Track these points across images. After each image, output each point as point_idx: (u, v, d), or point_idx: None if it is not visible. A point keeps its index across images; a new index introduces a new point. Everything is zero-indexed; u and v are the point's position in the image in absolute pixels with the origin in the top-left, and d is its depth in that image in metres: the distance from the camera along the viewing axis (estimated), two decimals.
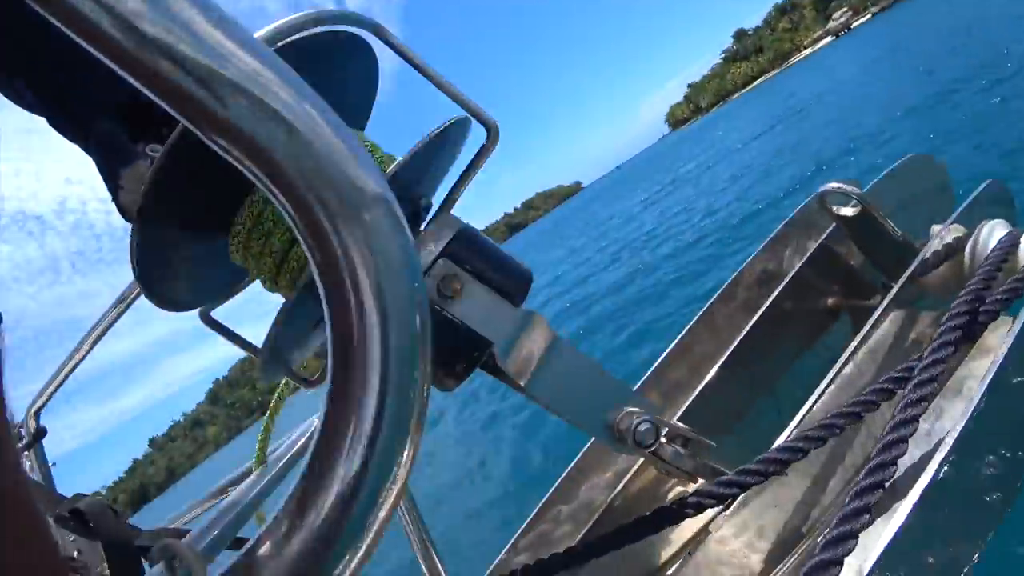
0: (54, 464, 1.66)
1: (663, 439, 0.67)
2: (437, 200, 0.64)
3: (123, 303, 1.36)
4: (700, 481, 0.80)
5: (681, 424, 0.68)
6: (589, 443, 1.13)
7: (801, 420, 0.75)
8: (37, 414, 1.64)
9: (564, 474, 1.15)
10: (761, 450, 0.78)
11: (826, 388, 0.78)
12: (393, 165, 0.51)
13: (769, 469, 0.67)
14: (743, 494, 0.72)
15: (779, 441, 0.71)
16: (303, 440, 1.14)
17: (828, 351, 1.02)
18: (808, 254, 1.01)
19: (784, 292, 1.00)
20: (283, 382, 1.05)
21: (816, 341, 1.04)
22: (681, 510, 0.76)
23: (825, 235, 1.02)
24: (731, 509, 0.77)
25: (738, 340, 0.99)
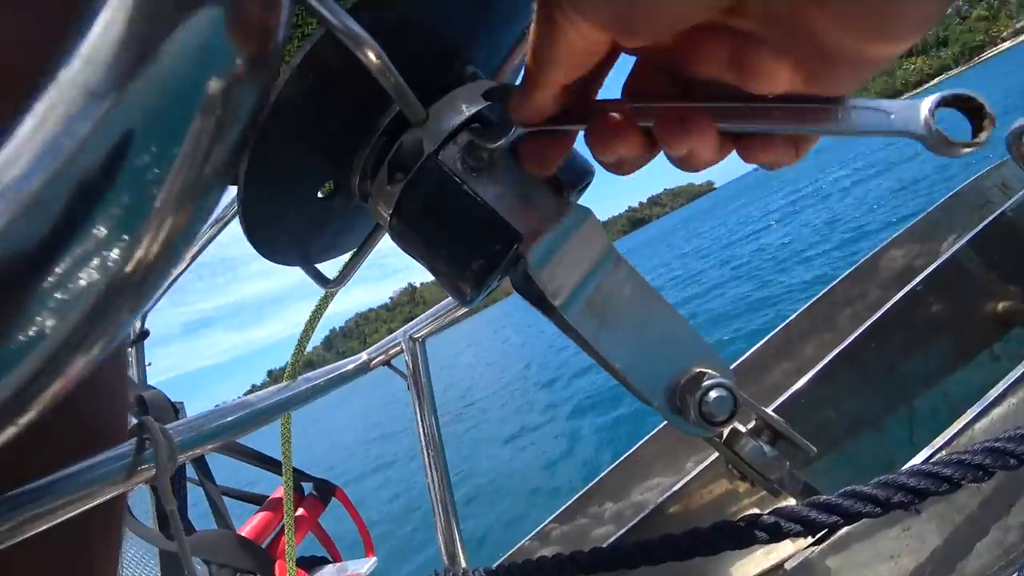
0: (150, 364, 1.82)
1: (742, 426, 0.49)
2: None
3: (219, 223, 1.37)
4: (785, 500, 0.60)
5: (772, 413, 0.50)
6: (655, 430, 0.95)
7: (947, 443, 0.53)
8: (143, 317, 1.78)
9: (615, 463, 0.99)
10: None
11: (991, 406, 0.55)
12: None
13: (893, 498, 0.47)
14: (846, 528, 0.52)
15: (913, 462, 0.50)
16: (336, 373, 1.07)
17: (998, 365, 0.76)
18: (975, 231, 0.74)
19: (932, 281, 0.75)
20: (320, 300, 0.99)
21: (976, 355, 0.79)
22: (750, 531, 0.58)
23: (1005, 207, 0.74)
24: (823, 546, 0.57)
25: (857, 335, 0.76)
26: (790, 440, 0.53)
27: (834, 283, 0.91)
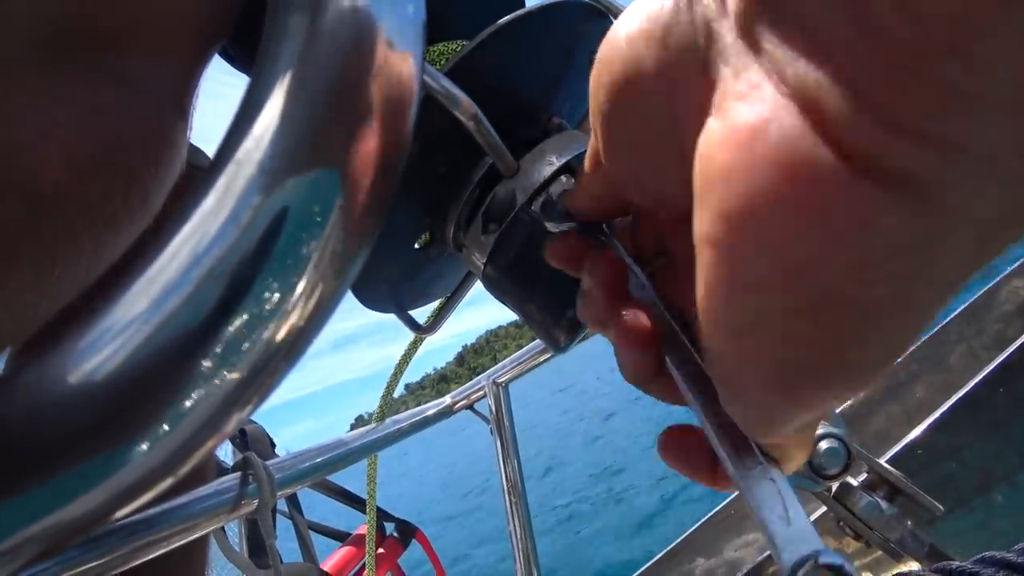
0: None
1: (853, 479, 0.46)
2: None
3: None
4: (906, 564, 0.55)
5: (888, 467, 0.46)
6: None
7: None
8: None
9: (709, 515, 0.93)
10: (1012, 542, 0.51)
11: None
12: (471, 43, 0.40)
13: None
14: None
15: None
16: (421, 416, 1.09)
17: None
18: None
19: None
20: (410, 345, 1.02)
21: None
22: None
23: None
24: None
25: (981, 378, 0.69)
26: (911, 497, 0.48)
27: (945, 321, 0.83)
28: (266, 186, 0.14)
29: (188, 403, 0.14)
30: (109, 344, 0.14)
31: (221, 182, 0.15)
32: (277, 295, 0.14)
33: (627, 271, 0.25)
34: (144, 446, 0.14)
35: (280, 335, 0.15)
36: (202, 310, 0.14)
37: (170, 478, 0.15)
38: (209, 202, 0.14)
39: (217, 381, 0.14)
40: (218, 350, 0.14)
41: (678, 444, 0.22)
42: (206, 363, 0.14)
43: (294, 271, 0.15)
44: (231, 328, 0.14)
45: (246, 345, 0.14)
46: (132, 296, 0.14)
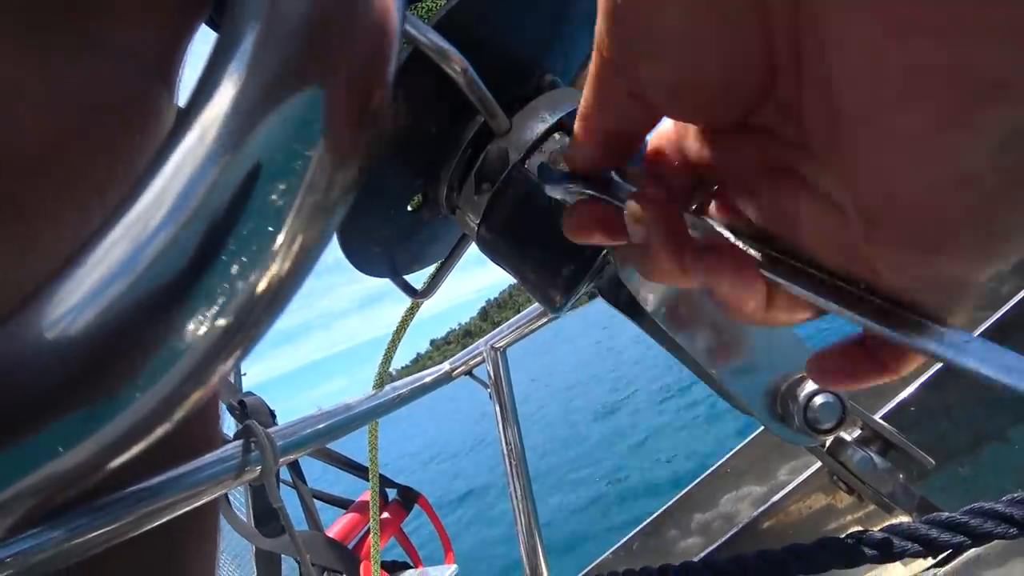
0: (244, 374, 1.97)
1: (847, 434, 0.46)
2: None
3: None
4: (897, 517, 0.56)
5: (882, 422, 0.46)
6: (752, 436, 0.91)
7: None
8: None
9: (708, 472, 0.95)
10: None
11: None
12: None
13: None
14: (974, 551, 0.47)
15: None
16: (420, 383, 1.10)
17: None
18: None
19: None
20: (407, 311, 1.02)
21: None
22: (859, 548, 0.54)
23: None
24: (946, 569, 0.52)
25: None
26: (903, 451, 0.49)
27: None
28: (240, 135, 0.14)
29: (170, 354, 0.14)
30: (86, 297, 0.13)
31: (193, 134, 0.14)
32: (255, 246, 0.14)
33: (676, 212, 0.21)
34: (127, 398, 0.14)
35: (261, 285, 0.14)
36: (180, 261, 0.14)
37: (157, 429, 0.15)
38: (180, 153, 0.14)
39: (198, 332, 0.14)
40: (197, 301, 0.14)
41: (837, 360, 0.19)
42: (186, 314, 0.14)
43: (272, 220, 0.14)
44: (210, 278, 0.14)
45: (227, 295, 0.14)
46: (105, 248, 0.14)
